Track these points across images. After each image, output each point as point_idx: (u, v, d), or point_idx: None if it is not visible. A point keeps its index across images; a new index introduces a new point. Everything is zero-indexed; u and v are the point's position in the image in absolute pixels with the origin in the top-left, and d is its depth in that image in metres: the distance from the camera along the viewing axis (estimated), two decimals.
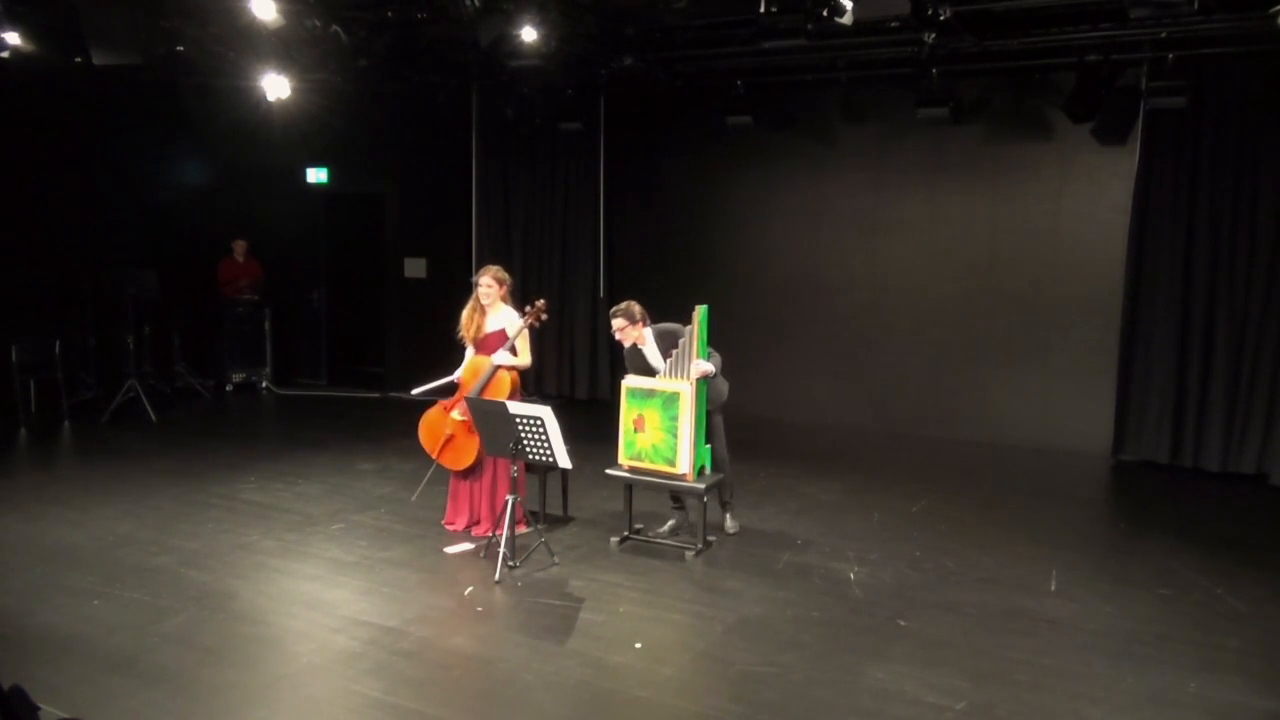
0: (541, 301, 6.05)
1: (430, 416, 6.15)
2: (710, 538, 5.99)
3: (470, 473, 6.14)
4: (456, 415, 6.02)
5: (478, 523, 6.14)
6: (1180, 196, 7.94)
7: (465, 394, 5.91)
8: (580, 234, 10.67)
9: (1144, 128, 8.06)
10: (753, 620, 4.89)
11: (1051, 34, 7.44)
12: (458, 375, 6.13)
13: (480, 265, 7.40)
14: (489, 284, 5.98)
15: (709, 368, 5.70)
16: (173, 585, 5.20)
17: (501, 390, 5.89)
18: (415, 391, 6.30)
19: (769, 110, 9.40)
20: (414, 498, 6.69)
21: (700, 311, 5.69)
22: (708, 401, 5.84)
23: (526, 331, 5.98)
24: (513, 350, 5.97)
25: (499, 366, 5.91)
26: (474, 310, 6.06)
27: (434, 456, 6.13)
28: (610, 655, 4.47)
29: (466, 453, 6.01)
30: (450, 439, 6.05)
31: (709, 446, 5.89)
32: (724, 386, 6.08)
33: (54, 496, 6.81)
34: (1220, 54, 7.44)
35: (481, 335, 6.05)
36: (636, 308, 5.96)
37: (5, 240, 9.42)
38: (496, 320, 6.03)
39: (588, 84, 9.74)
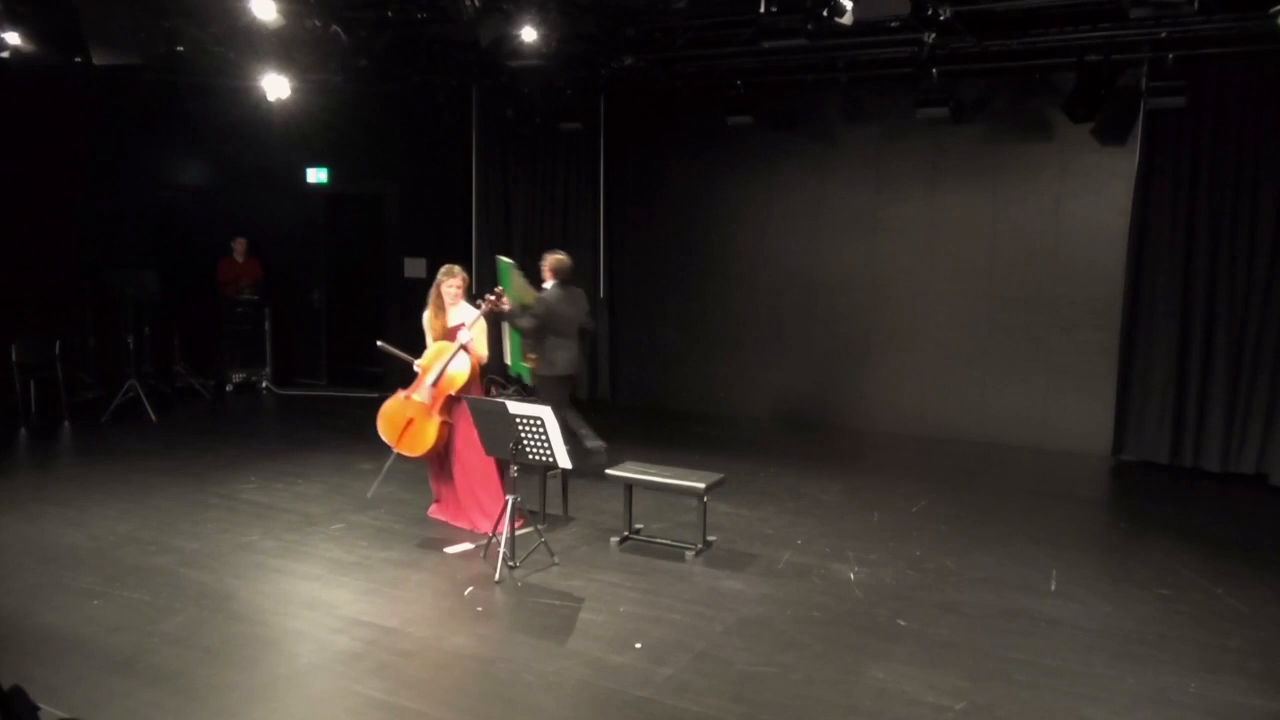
0: (500, 289, 6.42)
1: (387, 407, 6.22)
2: (710, 537, 6.00)
3: (440, 463, 6.26)
4: (417, 398, 6.11)
5: (480, 517, 6.15)
6: (1180, 196, 7.94)
7: (424, 378, 6.09)
8: (580, 234, 10.66)
9: (1144, 128, 8.07)
10: (753, 620, 4.89)
11: (1051, 34, 7.45)
12: (419, 364, 6.22)
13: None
14: (460, 285, 6.28)
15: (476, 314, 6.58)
16: (173, 585, 5.20)
17: (463, 369, 6.02)
18: (380, 344, 6.44)
19: (769, 110, 9.40)
20: (369, 494, 6.88)
21: (500, 263, 7.38)
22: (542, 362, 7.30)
23: (483, 323, 6.18)
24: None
25: (463, 346, 6.03)
26: (437, 310, 6.30)
27: (394, 446, 6.20)
28: (610, 655, 4.47)
29: (426, 436, 6.07)
30: (410, 423, 6.12)
31: (530, 371, 7.36)
32: (560, 355, 7.22)
33: (54, 496, 6.81)
34: (1220, 54, 7.44)
35: (445, 331, 6.29)
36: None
37: (5, 240, 9.42)
38: (456, 316, 6.26)
39: (588, 84, 9.73)
